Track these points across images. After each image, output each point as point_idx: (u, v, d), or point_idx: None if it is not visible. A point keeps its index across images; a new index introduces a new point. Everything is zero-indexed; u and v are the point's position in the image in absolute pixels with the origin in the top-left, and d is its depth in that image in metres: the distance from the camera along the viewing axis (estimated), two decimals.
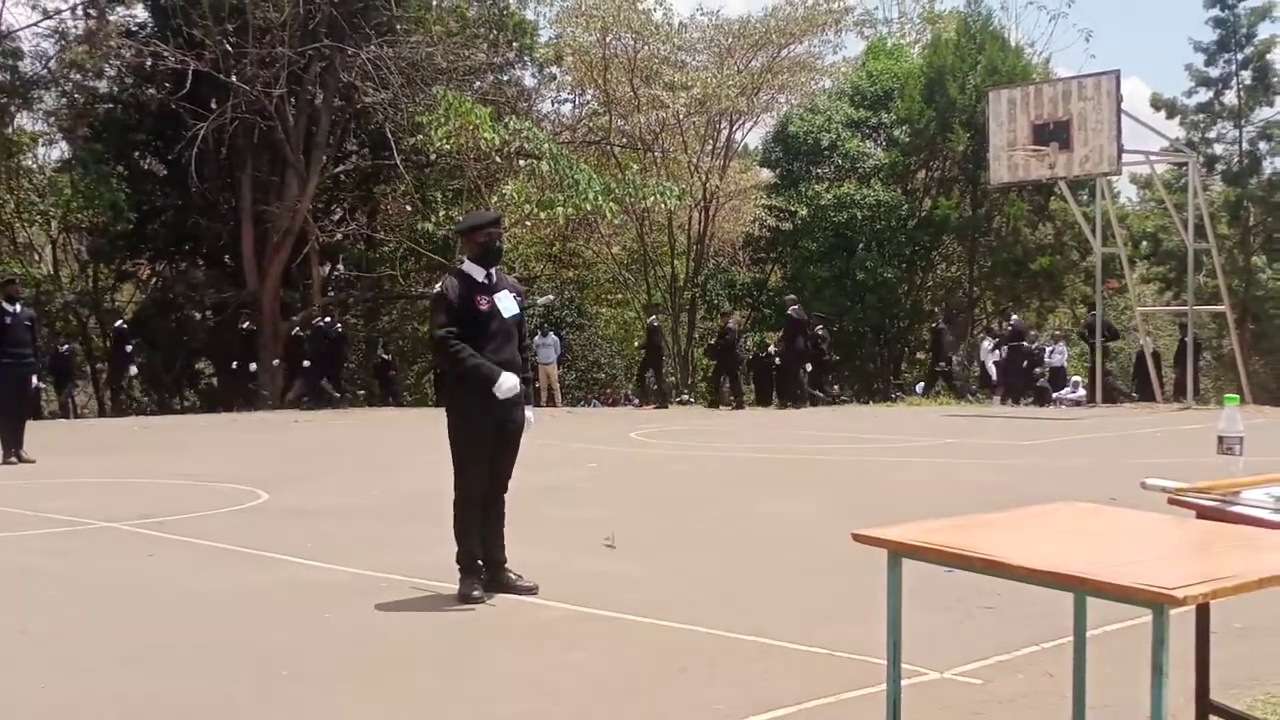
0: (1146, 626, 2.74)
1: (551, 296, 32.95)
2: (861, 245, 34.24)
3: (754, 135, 41.36)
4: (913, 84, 35.87)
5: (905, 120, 35.67)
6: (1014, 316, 30.64)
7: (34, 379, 15.78)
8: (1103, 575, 2.78)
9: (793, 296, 28.75)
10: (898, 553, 3.23)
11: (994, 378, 28.60)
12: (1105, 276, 27.49)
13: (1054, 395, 27.18)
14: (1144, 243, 37.92)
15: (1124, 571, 2.81)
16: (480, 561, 6.83)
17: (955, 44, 36.41)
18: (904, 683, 3.46)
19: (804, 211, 34.00)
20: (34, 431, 15.62)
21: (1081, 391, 27.31)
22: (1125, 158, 23.76)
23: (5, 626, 6.17)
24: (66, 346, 29.86)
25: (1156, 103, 38.38)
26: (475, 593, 6.67)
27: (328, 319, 28.48)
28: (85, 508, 10.45)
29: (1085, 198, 28.48)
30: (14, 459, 14.44)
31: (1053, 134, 23.54)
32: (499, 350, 6.78)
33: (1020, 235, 35.47)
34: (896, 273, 34.93)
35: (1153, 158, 26.91)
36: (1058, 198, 31.03)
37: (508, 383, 6.66)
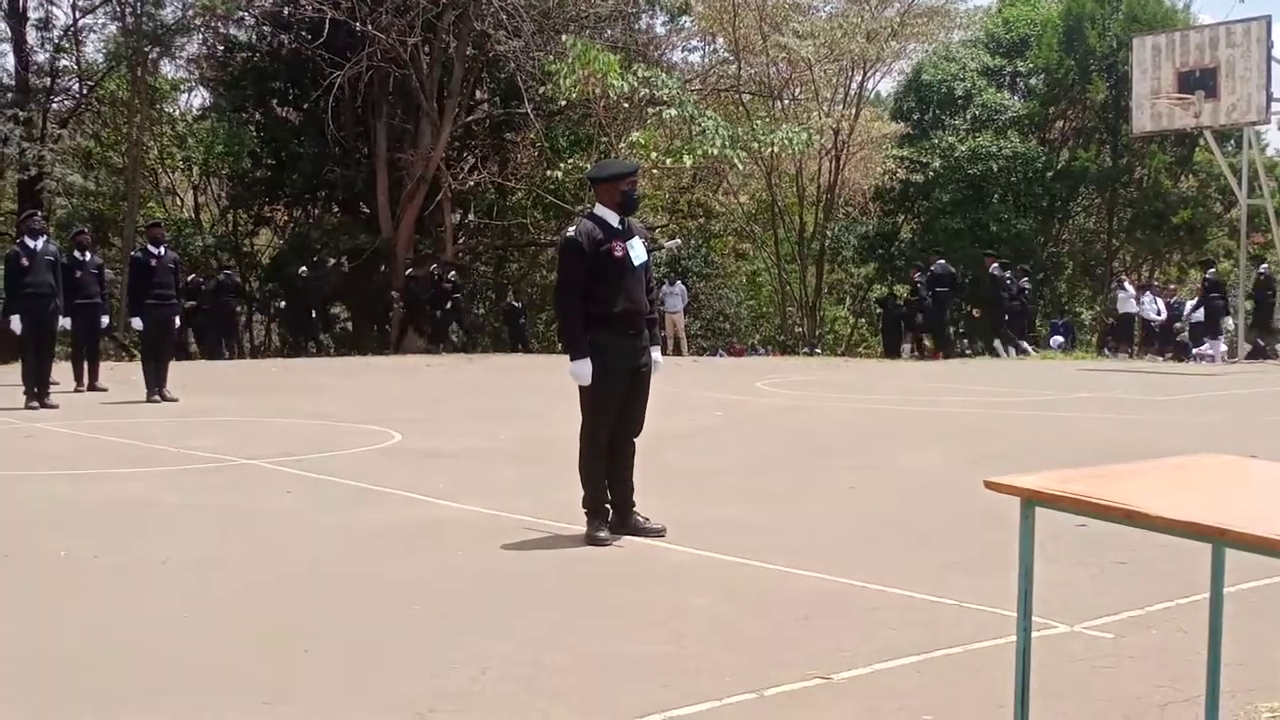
0: None
1: (678, 240, 32.83)
2: (996, 197, 33.59)
3: (885, 84, 40.79)
4: (1050, 32, 35.01)
5: (1043, 69, 34.85)
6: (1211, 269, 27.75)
7: (177, 320, 16.25)
8: (1244, 526, 2.72)
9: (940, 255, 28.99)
10: (1032, 501, 3.18)
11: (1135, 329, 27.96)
12: (1250, 230, 26.64)
13: (1193, 351, 26.49)
14: None
15: (1266, 523, 2.74)
16: (608, 505, 6.89)
17: None
18: (1033, 634, 3.42)
19: (937, 164, 33.44)
20: (175, 372, 16.08)
21: (1223, 347, 26.54)
22: (1275, 106, 23.04)
23: (149, 557, 6.38)
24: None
25: None
26: (602, 534, 6.73)
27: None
28: (226, 445, 10.76)
29: (1231, 148, 27.60)
30: (157, 397, 14.87)
31: (1198, 82, 22.91)
32: (629, 296, 6.81)
33: (1162, 187, 34.54)
34: (1032, 225, 34.24)
35: None
36: (1202, 148, 30.12)
37: (582, 369, 6.71)
